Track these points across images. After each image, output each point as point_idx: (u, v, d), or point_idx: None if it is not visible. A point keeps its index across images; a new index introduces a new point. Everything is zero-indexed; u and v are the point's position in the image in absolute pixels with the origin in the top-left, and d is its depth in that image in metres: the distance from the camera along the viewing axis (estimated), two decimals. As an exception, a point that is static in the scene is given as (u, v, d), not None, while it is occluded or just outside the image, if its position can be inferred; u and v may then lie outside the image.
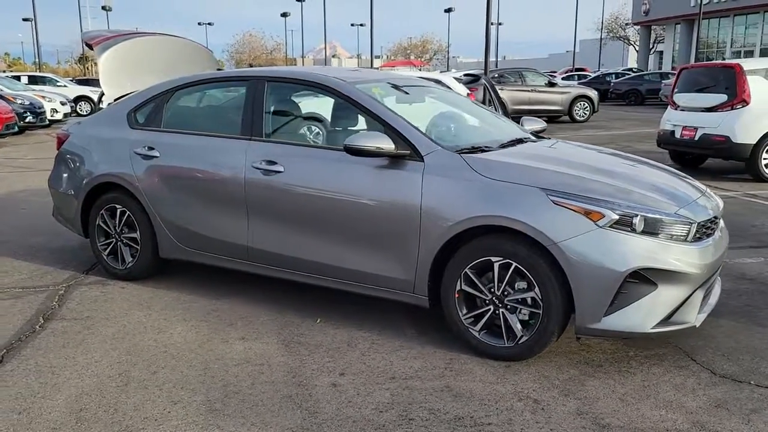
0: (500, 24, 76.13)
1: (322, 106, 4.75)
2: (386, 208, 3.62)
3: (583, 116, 20.12)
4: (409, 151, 3.63)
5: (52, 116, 18.49)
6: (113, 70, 5.22)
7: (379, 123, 3.79)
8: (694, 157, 10.53)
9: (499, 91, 13.54)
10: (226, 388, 3.17)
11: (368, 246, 3.72)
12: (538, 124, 4.94)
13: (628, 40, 61.67)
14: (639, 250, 3.13)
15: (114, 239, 4.81)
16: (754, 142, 9.09)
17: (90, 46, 5.23)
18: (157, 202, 4.50)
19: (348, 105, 3.99)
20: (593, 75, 38.62)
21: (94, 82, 28.09)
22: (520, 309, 3.37)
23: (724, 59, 27.45)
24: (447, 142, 3.75)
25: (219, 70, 5.51)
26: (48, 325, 3.98)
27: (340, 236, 3.81)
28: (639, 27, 57.80)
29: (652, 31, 57.41)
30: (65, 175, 5.05)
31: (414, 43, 73.52)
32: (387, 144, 3.59)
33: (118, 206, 4.72)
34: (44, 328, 3.93)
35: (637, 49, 61.21)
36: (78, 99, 24.21)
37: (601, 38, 58.62)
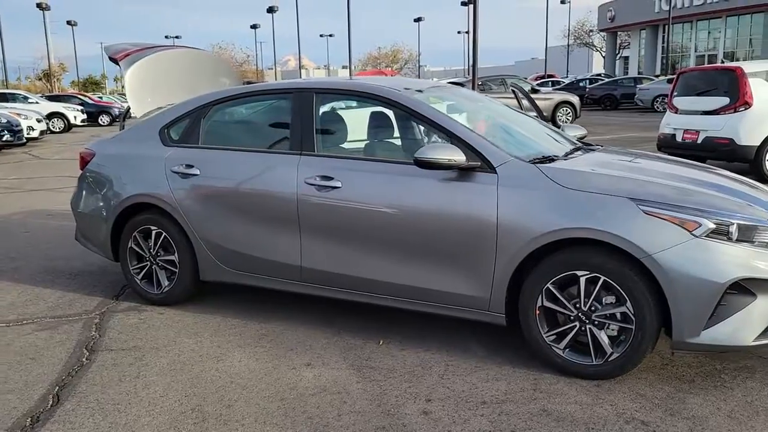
0: (467, 32, 76.85)
1: (355, 118, 4.59)
2: (457, 223, 3.47)
3: (566, 122, 20.23)
4: (479, 163, 3.49)
5: (28, 134, 17.96)
6: (140, 86, 4.99)
7: (445, 134, 3.65)
8: (694, 159, 10.57)
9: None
10: (312, 420, 2.97)
11: (436, 262, 3.57)
12: (580, 130, 4.85)
13: (595, 46, 62.62)
14: (738, 260, 3.03)
15: (148, 262, 4.58)
16: (758, 144, 9.16)
17: (115, 61, 4.99)
18: (197, 222, 4.28)
19: (407, 116, 3.84)
20: (567, 81, 39.04)
21: (66, 99, 27.49)
22: (608, 325, 3.24)
23: (723, 62, 27.90)
24: (512, 152, 3.62)
25: (248, 82, 5.29)
26: (95, 357, 3.73)
27: (405, 253, 3.64)
28: (605, 33, 58.79)
29: (618, 38, 58.40)
30: (92, 196, 4.80)
31: (385, 52, 73.75)
32: (459, 156, 3.45)
33: (153, 227, 4.48)
34: (92, 360, 3.69)
35: (603, 55, 62.21)
36: (51, 115, 23.62)
37: (568, 45, 59.46)
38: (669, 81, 24.48)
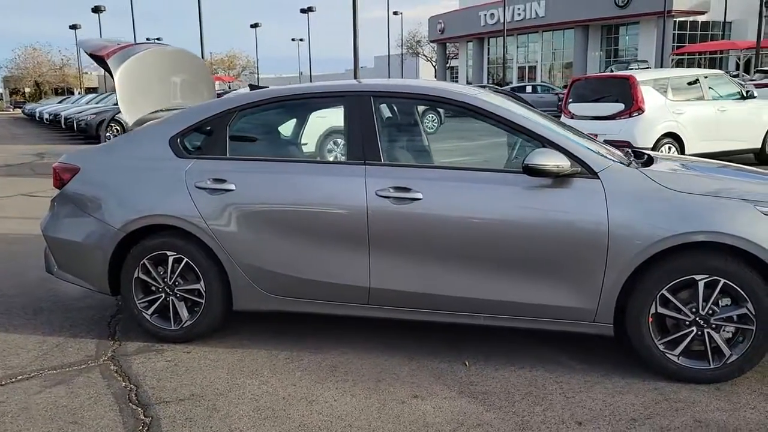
0: (301, 40, 76.89)
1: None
2: (558, 232, 3.33)
3: (431, 128, 20.80)
4: (579, 168, 3.37)
5: None
6: (131, 87, 4.28)
7: (536, 139, 3.48)
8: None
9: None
10: (481, 459, 2.67)
11: (533, 275, 3.39)
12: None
13: (425, 56, 65.34)
14: None
15: (162, 294, 3.92)
16: (651, 146, 9.96)
17: (98, 58, 4.23)
18: (234, 244, 3.73)
19: (487, 121, 3.62)
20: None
21: None
22: (724, 327, 3.27)
23: (612, 71, 30.07)
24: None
25: (254, 86, 4.73)
26: (155, 412, 3.10)
27: (497, 267, 3.43)
28: (436, 44, 61.60)
29: (447, 48, 61.46)
30: (78, 219, 4.02)
31: (221, 58, 71.25)
32: (564, 161, 3.31)
33: (170, 253, 3.84)
34: (155, 416, 3.06)
35: (434, 64, 65.16)
36: None
37: (402, 54, 61.54)
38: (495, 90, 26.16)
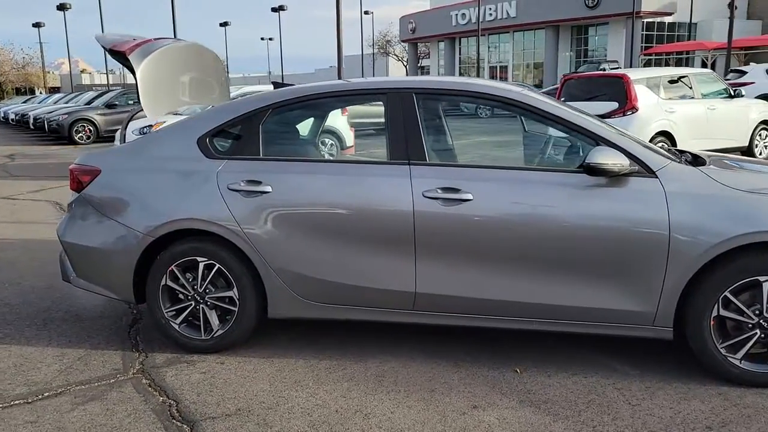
0: (271, 39, 76.30)
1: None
2: (617, 233, 3.22)
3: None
4: (637, 167, 3.27)
5: None
6: (153, 84, 4.05)
7: (590, 137, 3.37)
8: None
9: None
10: (564, 473, 2.54)
11: (589, 278, 3.28)
12: None
13: (396, 55, 65.31)
14: None
15: (192, 302, 3.71)
16: (646, 145, 9.98)
17: (118, 54, 3.99)
18: (270, 249, 3.55)
19: (537, 119, 3.49)
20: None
21: None
22: None
23: (603, 69, 30.19)
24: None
25: (278, 83, 4.52)
26: (202, 428, 2.91)
27: (552, 270, 3.31)
28: (407, 44, 61.59)
29: (418, 48, 61.50)
30: (100, 224, 3.79)
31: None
32: (624, 160, 3.21)
33: (200, 259, 3.64)
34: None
35: (405, 64, 65.17)
36: None
37: (374, 53, 61.44)
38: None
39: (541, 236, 3.28)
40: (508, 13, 48.86)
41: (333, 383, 3.34)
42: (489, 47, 54.32)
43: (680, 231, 3.15)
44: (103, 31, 38.12)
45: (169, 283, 3.71)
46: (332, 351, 3.74)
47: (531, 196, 3.31)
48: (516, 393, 3.20)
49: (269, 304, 3.64)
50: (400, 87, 3.60)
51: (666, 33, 47.60)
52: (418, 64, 62.01)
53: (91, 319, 4.37)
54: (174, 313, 3.75)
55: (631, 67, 39.41)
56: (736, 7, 45.28)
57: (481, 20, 50.63)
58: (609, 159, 3.16)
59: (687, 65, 45.07)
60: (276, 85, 4.52)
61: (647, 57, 42.72)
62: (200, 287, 3.68)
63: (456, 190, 3.36)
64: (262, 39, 77.64)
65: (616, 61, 41.09)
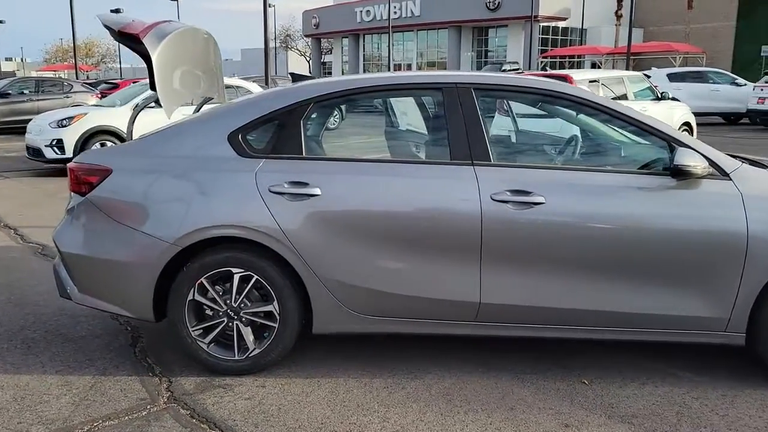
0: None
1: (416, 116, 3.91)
2: (693, 237, 3.13)
3: (333, 124, 20.34)
4: (711, 169, 3.19)
5: None
6: (169, 72, 3.57)
7: (664, 139, 3.26)
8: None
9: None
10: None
11: (663, 284, 3.17)
12: None
13: (299, 50, 64.35)
14: None
15: (224, 318, 3.30)
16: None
17: (128, 36, 3.47)
18: (318, 258, 3.20)
19: (606, 120, 3.35)
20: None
21: None
22: None
23: (505, 70, 30.44)
24: None
25: (297, 75, 4.10)
26: (284, 468, 2.55)
27: (626, 277, 3.18)
28: (310, 39, 60.85)
29: (321, 43, 60.92)
30: (113, 232, 3.29)
31: (77, 45, 65.52)
32: (704, 162, 3.12)
33: (236, 270, 3.24)
34: (289, 475, 2.51)
35: (308, 59, 64.37)
36: None
37: (275, 47, 60.07)
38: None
39: (616, 241, 3.13)
40: (412, 12, 49.31)
41: (400, 405, 3.05)
42: (393, 44, 54.61)
43: (757, 234, 3.10)
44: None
45: (197, 297, 3.28)
46: (376, 366, 3.44)
47: (606, 199, 3.15)
48: (599, 408, 3.04)
49: (315, 318, 3.29)
50: (458, 82, 3.35)
51: (560, 37, 49.71)
52: (321, 60, 61.46)
53: (80, 338, 3.83)
54: (201, 331, 3.32)
55: (530, 68, 40.86)
56: (621, 15, 48.06)
57: (385, 18, 50.82)
58: (695, 161, 3.07)
59: (579, 68, 47.31)
60: (295, 77, 4.13)
61: (546, 59, 44.38)
62: (234, 302, 3.28)
63: (527, 193, 3.15)
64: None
65: (517, 62, 42.47)
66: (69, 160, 10.58)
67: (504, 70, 33.02)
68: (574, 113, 3.55)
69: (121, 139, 10.87)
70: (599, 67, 42.23)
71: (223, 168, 3.26)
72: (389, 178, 3.22)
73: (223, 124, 3.36)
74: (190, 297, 3.27)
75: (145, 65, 3.55)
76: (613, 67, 43.36)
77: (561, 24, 48.70)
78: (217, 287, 3.29)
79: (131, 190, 3.29)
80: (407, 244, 3.18)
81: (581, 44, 48.07)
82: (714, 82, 20.26)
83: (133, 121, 3.65)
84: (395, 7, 49.57)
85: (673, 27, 49.72)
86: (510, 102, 3.78)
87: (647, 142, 3.33)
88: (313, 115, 3.41)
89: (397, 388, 3.21)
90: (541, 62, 43.95)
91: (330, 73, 61.16)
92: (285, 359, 3.43)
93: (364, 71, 55.37)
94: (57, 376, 3.33)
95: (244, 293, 3.27)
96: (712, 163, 3.19)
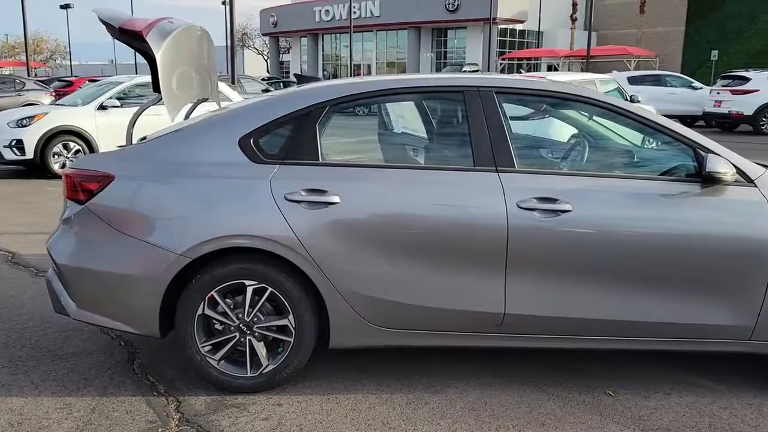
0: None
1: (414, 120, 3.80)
2: (718, 244, 3.08)
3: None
4: (737, 176, 3.15)
5: None
6: (173, 73, 3.36)
7: (689, 146, 3.20)
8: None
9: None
10: None
11: (689, 293, 3.12)
12: None
13: (256, 48, 63.54)
14: None
15: (235, 334, 3.12)
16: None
17: (129, 33, 3.24)
18: (337, 268, 3.05)
19: (634, 126, 3.28)
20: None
21: None
22: None
23: (465, 71, 30.32)
24: None
25: (302, 76, 3.92)
26: (320, 496, 2.40)
27: (652, 286, 3.11)
28: (268, 38, 60.16)
29: (279, 42, 60.31)
30: (115, 243, 3.07)
31: (23, 41, 63.23)
32: (731, 168, 3.08)
33: (249, 282, 3.06)
34: (327, 503, 2.36)
35: (266, 58, 63.62)
36: None
37: (233, 46, 59.11)
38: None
39: (643, 249, 3.07)
40: (371, 12, 49.22)
41: (427, 422, 2.92)
42: (352, 44, 54.42)
43: None
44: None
45: (207, 311, 3.09)
46: (393, 380, 3.31)
47: (633, 206, 3.08)
48: (630, 421, 2.96)
49: (332, 332, 3.14)
50: (480, 85, 3.24)
51: (517, 39, 50.35)
52: (279, 59, 60.84)
53: (72, 355, 3.58)
54: (211, 347, 3.13)
55: (488, 69, 41.21)
56: (576, 19, 48.86)
57: (345, 18, 50.58)
58: (725, 168, 3.02)
59: (536, 70, 47.98)
60: (300, 78, 3.96)
61: (505, 61, 44.83)
62: (247, 316, 3.10)
63: (553, 200, 3.06)
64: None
65: (477, 64, 42.80)
66: (29, 161, 10.14)
67: (464, 71, 33.14)
68: (596, 117, 3.47)
69: (86, 141, 10.48)
70: (556, 70, 42.89)
71: (235, 174, 3.08)
72: (411, 185, 3.08)
73: (233, 128, 3.18)
74: (199, 311, 3.08)
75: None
76: (569, 70, 44.14)
77: (518, 26, 49.29)
78: (227, 300, 3.10)
79: (135, 198, 3.08)
80: (430, 254, 3.06)
81: (538, 47, 48.76)
82: (671, 86, 20.75)
83: (134, 124, 3.42)
84: (355, 7, 49.40)
85: (626, 31, 50.88)
86: (530, 105, 3.68)
87: (670, 148, 3.28)
88: (329, 119, 3.25)
89: (420, 404, 3.08)
90: (500, 64, 44.39)
91: (287, 73, 60.63)
92: (296, 375, 3.26)
93: (323, 71, 55.07)
94: (54, 398, 3.09)
95: (258, 307, 3.09)
96: (737, 169, 3.15)
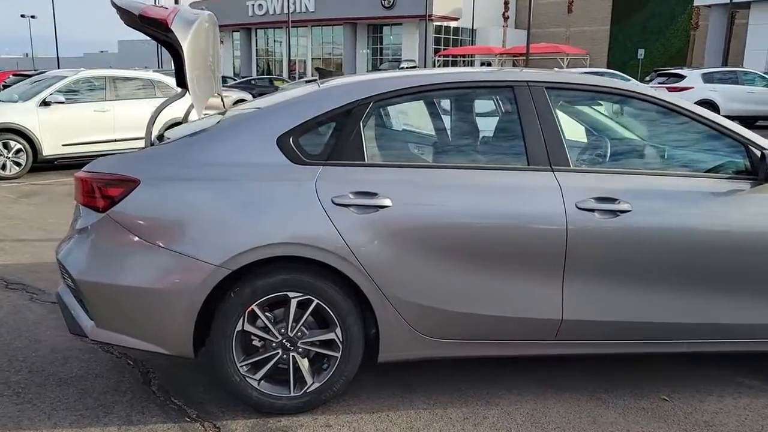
0: (33, 17, 68.13)
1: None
2: None
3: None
4: None
5: None
6: (196, 64, 3.04)
7: (741, 142, 3.14)
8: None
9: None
10: None
11: (753, 292, 3.05)
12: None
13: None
14: None
15: (278, 350, 2.86)
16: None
17: (151, 21, 2.90)
18: (389, 276, 2.83)
19: (687, 122, 3.18)
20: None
21: None
22: None
23: (403, 68, 29.68)
24: None
25: (323, 70, 3.63)
26: None
27: (716, 286, 3.02)
28: (198, 32, 58.51)
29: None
30: (143, 255, 2.75)
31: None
32: None
33: (293, 294, 2.81)
34: None
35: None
36: None
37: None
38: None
39: (707, 250, 2.98)
40: (306, 7, 48.65)
41: (494, 438, 2.75)
42: (288, 39, 53.66)
43: None
44: None
45: (247, 327, 2.81)
46: (439, 393, 3.13)
47: (691, 204, 2.99)
48: (697, 427, 2.87)
49: (382, 344, 2.92)
50: (530, 80, 3.08)
51: (452, 37, 50.82)
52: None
53: (78, 379, 3.23)
54: (250, 367, 2.86)
55: (425, 66, 41.41)
56: (508, 17, 49.74)
57: (279, 13, 49.82)
58: None
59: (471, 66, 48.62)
60: (320, 72, 3.69)
61: (440, 58, 45.18)
62: (290, 330, 2.84)
63: (612, 200, 2.93)
64: (23, 16, 68.54)
65: (414, 61, 42.93)
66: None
67: (402, 68, 33.14)
68: (651, 113, 3.36)
69: (28, 140, 9.80)
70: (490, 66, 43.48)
71: (276, 177, 2.81)
72: (465, 186, 2.89)
73: (270, 126, 2.91)
74: (238, 327, 2.80)
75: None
76: (502, 67, 44.89)
77: (453, 24, 49.75)
78: (268, 314, 2.84)
79: (165, 205, 2.77)
80: (486, 259, 2.88)
81: (472, 44, 49.37)
82: (748, 83, 18.88)
83: (153, 122, 3.08)
84: (290, 1, 48.74)
85: (555, 29, 52.17)
86: (581, 102, 3.54)
87: (720, 144, 3.20)
88: (374, 116, 3.02)
89: (478, 418, 2.91)
90: (438, 61, 44.70)
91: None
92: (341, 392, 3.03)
93: (257, 66, 54.10)
94: (73, 430, 2.75)
95: (303, 320, 2.84)
96: None
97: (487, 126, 3.21)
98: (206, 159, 2.84)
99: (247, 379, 2.85)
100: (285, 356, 2.86)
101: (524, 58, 43.62)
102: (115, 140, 10.76)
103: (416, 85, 3.03)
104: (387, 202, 2.81)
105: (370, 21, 48.20)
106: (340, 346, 2.88)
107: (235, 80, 33.77)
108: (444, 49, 47.18)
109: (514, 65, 45.77)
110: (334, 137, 2.91)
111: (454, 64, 47.58)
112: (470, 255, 2.87)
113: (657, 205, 2.96)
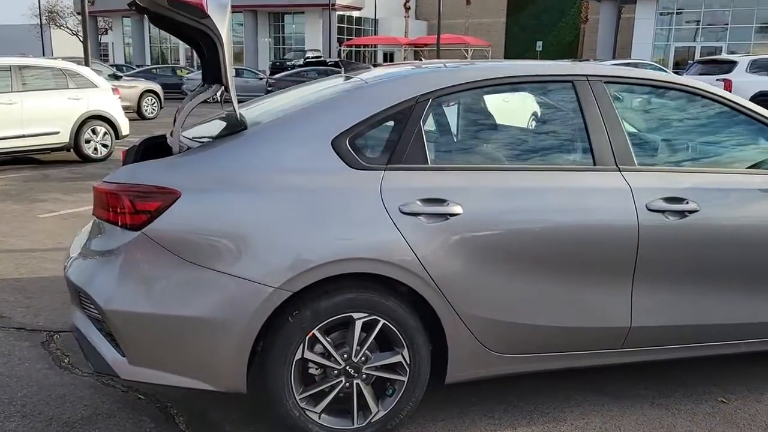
0: None
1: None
2: None
3: (152, 113, 18.52)
4: None
5: None
6: (229, 55, 2.63)
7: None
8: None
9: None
10: None
11: None
12: None
13: (70, 29, 57.85)
14: None
15: (341, 378, 2.54)
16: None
17: (185, 5, 2.46)
18: (460, 290, 2.57)
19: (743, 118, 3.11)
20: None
21: None
22: None
23: (308, 58, 28.72)
24: None
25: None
26: None
27: None
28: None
29: (98, 22, 55.52)
30: (188, 278, 2.35)
31: None
32: None
33: (357, 315, 2.50)
34: None
35: (81, 38, 58.20)
36: None
37: (41, 24, 53.22)
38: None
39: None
40: (204, -6, 46.72)
41: (580, 460, 2.57)
42: (181, 28, 51.42)
43: None
44: None
45: (308, 354, 2.48)
46: (500, 410, 2.92)
47: (758, 202, 2.93)
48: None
49: (451, 364, 2.66)
50: (589, 74, 2.90)
51: (355, 26, 50.53)
52: (99, 41, 56.03)
53: (89, 421, 2.76)
54: (310, 399, 2.53)
55: (330, 56, 40.97)
56: (409, 8, 50.09)
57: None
58: None
59: (374, 57, 48.69)
60: (346, 65, 3.32)
61: (347, 48, 44.86)
62: (355, 355, 2.53)
63: (681, 200, 2.81)
64: None
65: (318, 50, 42.32)
66: None
67: (307, 58, 32.49)
68: (712, 110, 3.25)
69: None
70: (392, 58, 43.62)
71: (335, 184, 2.48)
72: (537, 189, 2.68)
73: (323, 127, 2.56)
74: (297, 356, 2.46)
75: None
76: (404, 59, 45.17)
77: (356, 14, 49.45)
78: (328, 339, 2.51)
79: (211, 220, 2.37)
80: (560, 268, 2.68)
81: (375, 34, 49.31)
82: None
83: (183, 122, 2.65)
84: (186, -13, 46.70)
85: (454, 21, 53.00)
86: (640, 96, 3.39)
87: (768, 140, 3.16)
88: (434, 113, 2.74)
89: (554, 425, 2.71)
90: (343, 51, 44.32)
91: (106, 56, 56.13)
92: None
93: (151, 54, 51.65)
94: (109, 488, 2.32)
95: (368, 343, 2.54)
96: None
97: (549, 123, 3.00)
98: (253, 165, 2.47)
99: (307, 412, 2.51)
100: (347, 384, 2.54)
101: (428, 49, 44.11)
102: (24, 136, 9.77)
103: (478, 79, 2.77)
104: (457, 209, 2.54)
105: (272, 9, 47.04)
106: (407, 369, 2.60)
107: (133, 69, 32.10)
108: (348, 39, 46.86)
109: (416, 56, 46.17)
110: (393, 138, 2.61)
111: (358, 54, 47.40)
112: (544, 264, 2.66)
113: (723, 203, 2.88)
